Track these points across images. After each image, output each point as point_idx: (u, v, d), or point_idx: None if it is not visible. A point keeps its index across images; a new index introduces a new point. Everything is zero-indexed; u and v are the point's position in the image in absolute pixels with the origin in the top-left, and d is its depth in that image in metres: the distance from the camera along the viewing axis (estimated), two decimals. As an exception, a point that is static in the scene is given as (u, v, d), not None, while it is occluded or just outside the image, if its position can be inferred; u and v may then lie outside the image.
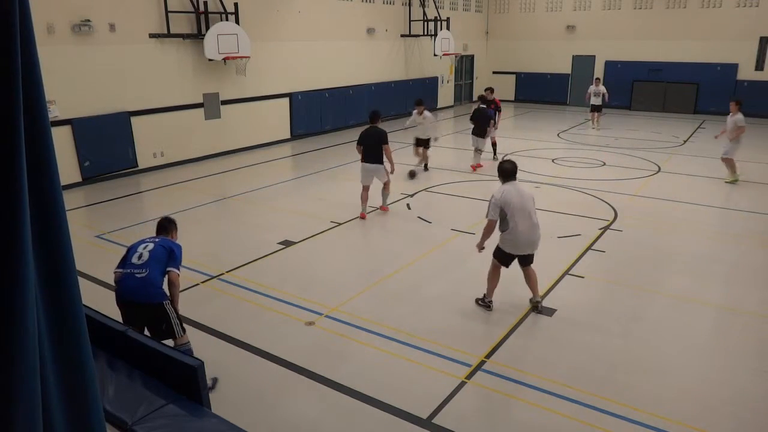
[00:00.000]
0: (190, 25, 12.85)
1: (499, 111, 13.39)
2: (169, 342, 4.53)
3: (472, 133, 12.49)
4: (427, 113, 11.79)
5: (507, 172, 5.85)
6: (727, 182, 11.48)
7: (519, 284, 6.81)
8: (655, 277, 7.05)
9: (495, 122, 12.88)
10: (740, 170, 11.56)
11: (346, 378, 4.89)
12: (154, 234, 4.99)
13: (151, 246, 4.65)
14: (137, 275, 4.49)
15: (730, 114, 11.43)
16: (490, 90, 13.40)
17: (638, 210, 9.70)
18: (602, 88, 18.20)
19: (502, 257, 6.00)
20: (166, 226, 5.02)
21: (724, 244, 8.15)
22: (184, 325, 4.75)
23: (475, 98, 25.31)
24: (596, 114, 18.29)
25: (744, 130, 11.22)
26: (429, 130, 12.03)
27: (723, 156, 11.50)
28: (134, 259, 4.59)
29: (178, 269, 4.66)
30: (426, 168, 12.40)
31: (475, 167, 12.53)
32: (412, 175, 11.70)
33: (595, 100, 18.11)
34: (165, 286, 4.62)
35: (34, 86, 1.96)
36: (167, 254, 4.61)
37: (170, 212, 9.43)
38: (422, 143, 12.08)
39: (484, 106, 12.69)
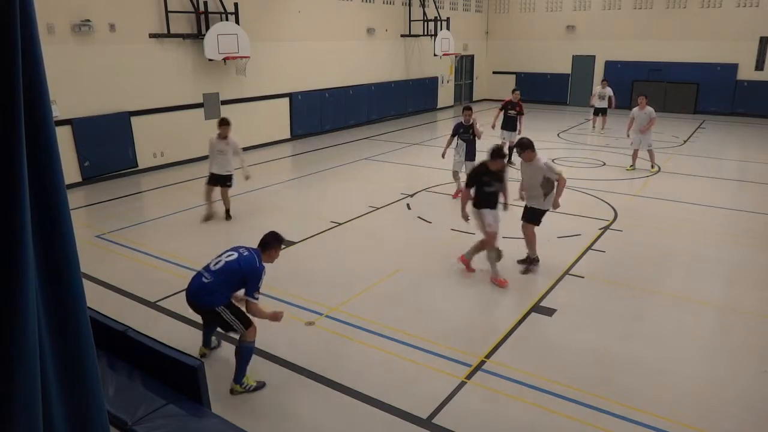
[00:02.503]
0: (190, 25, 12.84)
1: (522, 114, 12.53)
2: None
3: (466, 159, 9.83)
4: (232, 138, 8.49)
5: (528, 144, 6.73)
6: (651, 173, 12.18)
7: (519, 285, 6.81)
8: (655, 277, 7.06)
9: (518, 128, 12.26)
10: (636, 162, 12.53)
11: (346, 378, 4.89)
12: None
13: (233, 257, 4.55)
14: (203, 279, 4.56)
15: (639, 108, 12.10)
16: (519, 91, 12.62)
17: (638, 210, 9.70)
18: (609, 91, 17.05)
19: (541, 217, 7.00)
20: (267, 242, 4.68)
21: (724, 244, 8.14)
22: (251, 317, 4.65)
23: (472, 100, 25.42)
24: (597, 118, 17.47)
25: (655, 121, 12.06)
26: (231, 163, 8.58)
27: (648, 149, 12.22)
28: (212, 263, 4.62)
29: (255, 297, 4.45)
30: (228, 216, 8.94)
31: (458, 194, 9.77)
32: (208, 218, 8.74)
33: (600, 103, 17.21)
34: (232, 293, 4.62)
35: (38, 85, 1.95)
36: (240, 276, 4.45)
37: (170, 212, 9.41)
38: (220, 181, 8.62)
39: (467, 123, 9.78)
